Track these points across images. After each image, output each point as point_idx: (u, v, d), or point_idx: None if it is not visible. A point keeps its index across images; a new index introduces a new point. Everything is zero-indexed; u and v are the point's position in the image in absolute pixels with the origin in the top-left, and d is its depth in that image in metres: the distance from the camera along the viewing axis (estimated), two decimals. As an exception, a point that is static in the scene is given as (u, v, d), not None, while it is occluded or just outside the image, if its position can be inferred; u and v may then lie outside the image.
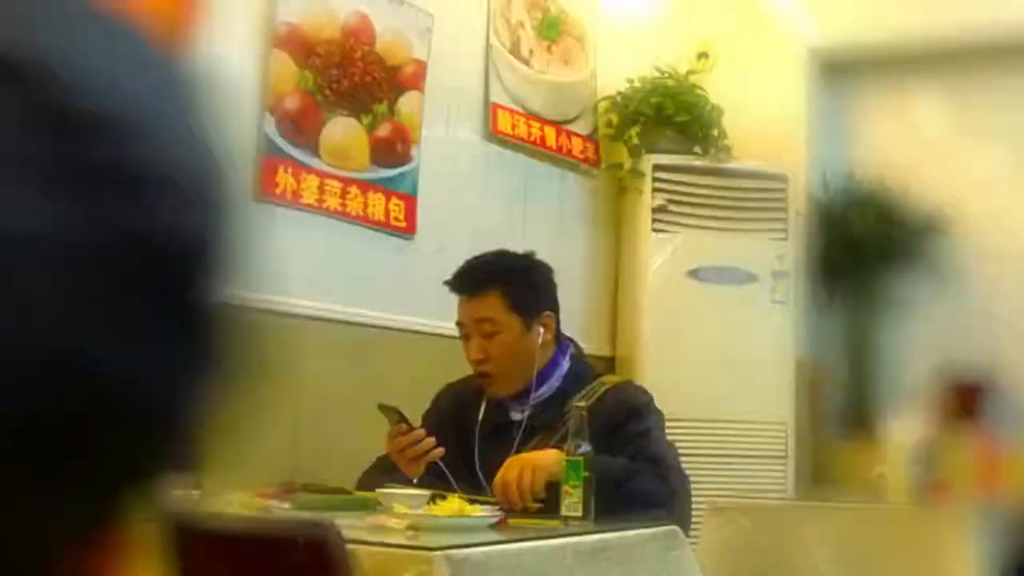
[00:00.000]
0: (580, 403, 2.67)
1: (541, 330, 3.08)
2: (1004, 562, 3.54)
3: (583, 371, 3.15)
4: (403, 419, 2.92)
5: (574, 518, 2.51)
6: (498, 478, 2.78)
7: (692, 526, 3.15)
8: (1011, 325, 4.64)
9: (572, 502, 2.53)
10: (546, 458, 2.75)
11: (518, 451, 2.97)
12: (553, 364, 3.11)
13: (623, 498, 2.74)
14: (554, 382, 3.08)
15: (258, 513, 2.53)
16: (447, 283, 3.14)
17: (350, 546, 2.04)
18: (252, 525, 2.36)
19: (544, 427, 2.95)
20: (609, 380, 3.15)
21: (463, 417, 3.10)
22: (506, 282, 3.08)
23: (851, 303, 5.61)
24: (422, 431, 2.93)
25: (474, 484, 2.98)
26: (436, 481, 2.86)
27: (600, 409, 2.95)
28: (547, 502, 2.63)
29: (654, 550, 2.50)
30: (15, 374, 0.43)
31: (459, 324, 3.12)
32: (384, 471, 3.01)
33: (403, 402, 3.23)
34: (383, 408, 2.92)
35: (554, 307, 3.15)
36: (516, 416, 3.06)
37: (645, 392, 3.23)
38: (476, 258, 3.19)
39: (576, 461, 2.53)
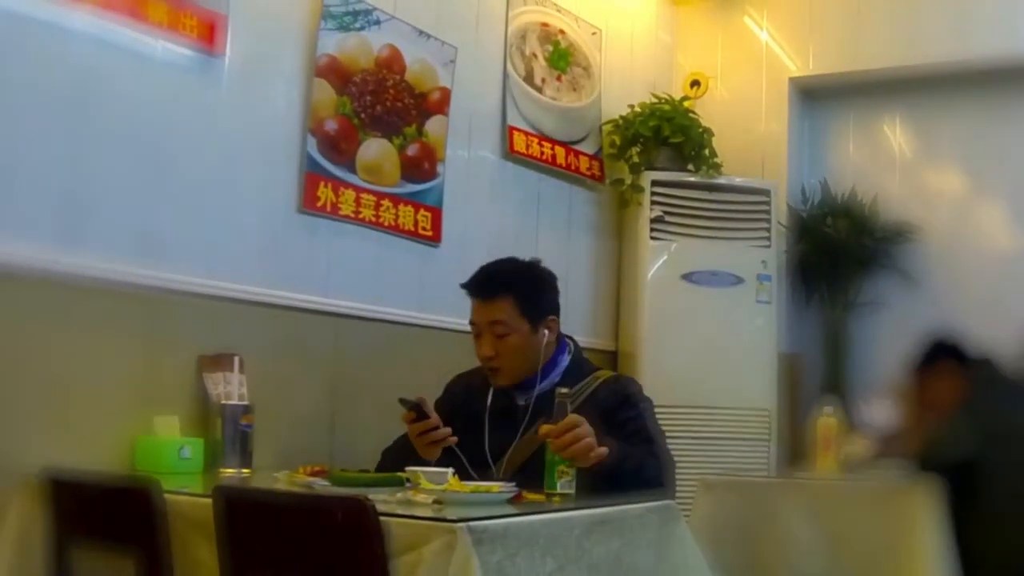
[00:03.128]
0: (563, 390, 2.64)
1: (546, 332, 3.05)
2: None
3: (580, 367, 3.13)
4: (420, 410, 2.90)
5: (569, 495, 2.49)
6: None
7: (686, 501, 3.14)
8: (969, 322, 4.61)
9: (567, 480, 2.51)
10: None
11: (523, 433, 2.97)
12: (554, 361, 3.09)
13: (620, 476, 2.71)
14: (554, 377, 3.05)
15: (301, 489, 2.52)
16: (464, 286, 3.11)
17: (383, 518, 2.03)
18: (297, 499, 2.36)
19: (545, 413, 2.94)
20: (603, 374, 3.12)
21: (473, 403, 3.08)
22: (517, 288, 3.05)
23: (827, 303, 5.59)
24: (436, 420, 2.90)
25: (483, 463, 2.97)
26: (451, 463, 2.85)
27: (596, 398, 2.95)
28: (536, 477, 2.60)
29: (652, 522, 2.49)
30: None
31: (472, 324, 3.09)
32: (403, 448, 3.01)
33: (426, 390, 3.22)
34: (403, 401, 2.90)
35: (557, 311, 3.12)
36: (521, 402, 3.04)
37: (635, 382, 3.21)
38: (490, 264, 3.15)
39: None
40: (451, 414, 3.02)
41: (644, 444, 2.89)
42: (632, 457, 2.80)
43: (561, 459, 2.51)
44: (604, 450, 2.61)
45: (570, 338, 3.19)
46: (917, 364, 4.09)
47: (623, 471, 2.72)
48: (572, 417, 2.60)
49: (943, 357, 4.04)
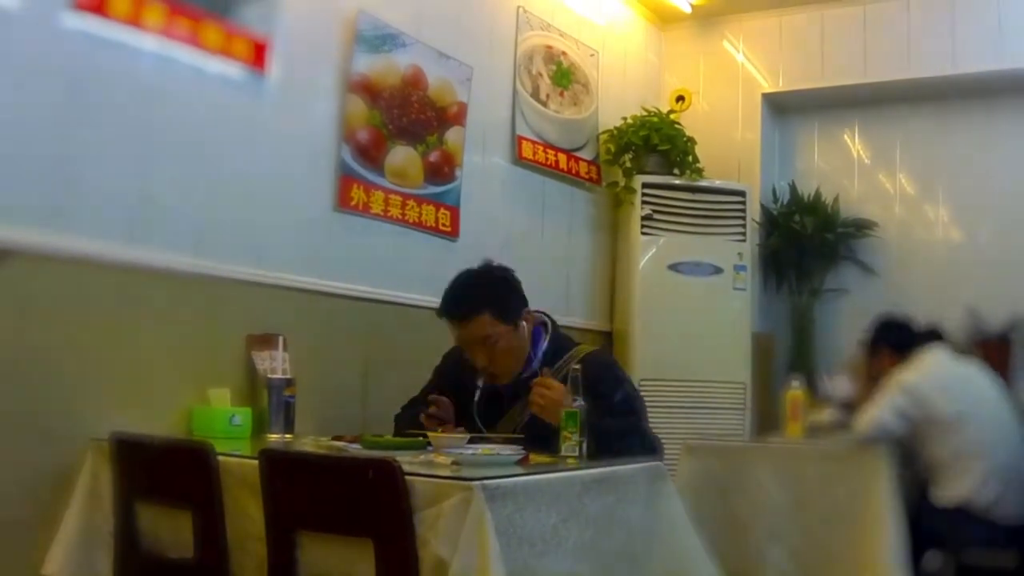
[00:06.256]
0: (576, 366, 2.61)
1: (523, 324, 2.99)
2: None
3: (561, 344, 3.06)
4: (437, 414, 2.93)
5: (573, 457, 2.48)
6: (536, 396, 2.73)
7: (671, 463, 3.12)
8: (919, 307, 4.61)
9: (571, 444, 2.50)
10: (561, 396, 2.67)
11: (507, 412, 2.97)
12: (536, 346, 3.02)
13: (603, 439, 2.68)
14: (534, 364, 2.98)
15: (337, 452, 2.52)
16: (441, 315, 3.01)
17: (408, 477, 2.03)
18: (333, 460, 2.36)
19: (525, 394, 2.85)
20: (583, 348, 3.05)
21: (465, 379, 3.03)
22: (489, 302, 2.94)
23: (795, 290, 5.59)
24: (449, 418, 2.93)
25: (477, 429, 2.92)
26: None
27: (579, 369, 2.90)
28: (551, 443, 2.58)
29: (643, 480, 2.49)
30: None
31: (459, 341, 3.01)
32: (415, 414, 3.01)
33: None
34: (426, 409, 2.96)
35: (525, 302, 3.03)
36: (506, 387, 3.00)
37: (612, 356, 3.17)
38: (454, 289, 3.03)
39: (574, 412, 2.50)
40: (446, 383, 3.01)
41: (631, 418, 2.86)
42: (617, 433, 2.76)
43: (567, 425, 2.50)
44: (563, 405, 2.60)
45: (547, 317, 3.11)
46: (865, 343, 4.11)
47: (609, 441, 2.69)
48: (546, 379, 2.69)
49: (884, 338, 4.05)
